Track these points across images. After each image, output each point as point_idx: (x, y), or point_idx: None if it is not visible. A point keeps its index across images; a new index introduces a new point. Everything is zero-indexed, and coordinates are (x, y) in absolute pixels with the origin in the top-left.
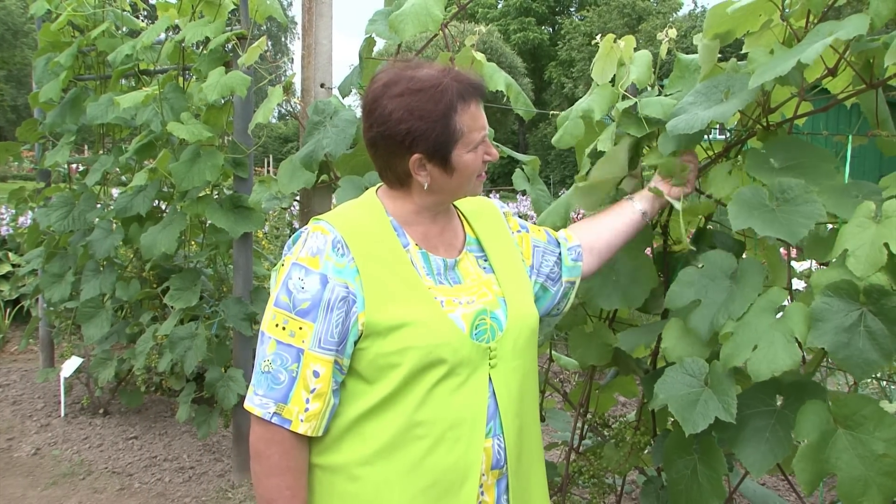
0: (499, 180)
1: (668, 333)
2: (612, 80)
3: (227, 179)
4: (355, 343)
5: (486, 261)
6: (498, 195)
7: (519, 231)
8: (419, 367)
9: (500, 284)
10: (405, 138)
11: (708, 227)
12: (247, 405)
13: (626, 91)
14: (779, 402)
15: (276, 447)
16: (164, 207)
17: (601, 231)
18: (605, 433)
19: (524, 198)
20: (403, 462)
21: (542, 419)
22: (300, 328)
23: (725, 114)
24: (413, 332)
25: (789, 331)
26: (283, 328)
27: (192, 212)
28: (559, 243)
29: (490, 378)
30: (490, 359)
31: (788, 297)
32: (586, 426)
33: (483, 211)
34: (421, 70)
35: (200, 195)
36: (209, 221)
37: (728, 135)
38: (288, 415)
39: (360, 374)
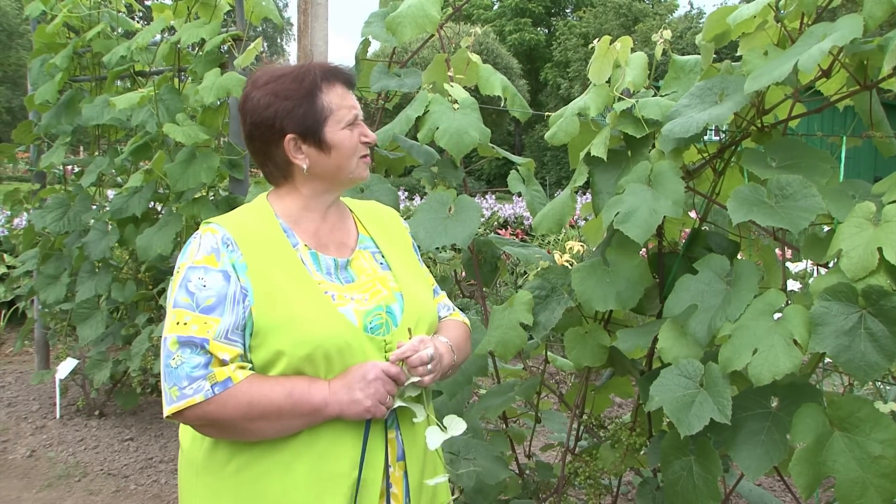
0: (494, 182)
1: (664, 334)
2: (609, 81)
3: (222, 181)
4: (250, 338)
5: (383, 257)
6: (493, 196)
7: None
8: (307, 360)
9: (396, 280)
10: (274, 120)
11: (703, 228)
12: (181, 404)
13: (621, 93)
14: (774, 404)
15: (237, 391)
16: (159, 209)
17: None
18: (601, 434)
19: (519, 199)
20: (308, 456)
21: (539, 420)
22: (205, 323)
23: (721, 116)
24: (302, 325)
25: (789, 333)
26: (185, 324)
27: (187, 213)
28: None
29: None
30: (385, 352)
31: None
32: (582, 427)
33: (379, 214)
34: (286, 65)
35: (196, 196)
36: None
37: (722, 136)
38: (221, 376)
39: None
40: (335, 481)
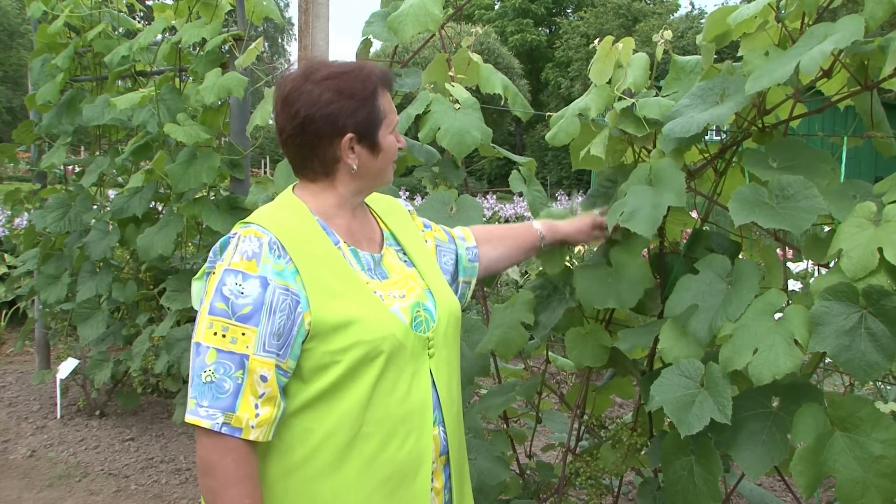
0: (495, 181)
1: (665, 334)
2: (610, 81)
3: (223, 181)
4: (303, 343)
5: (405, 254)
6: (494, 196)
7: (423, 231)
8: (362, 361)
9: (423, 277)
10: (337, 118)
11: (704, 228)
12: (190, 419)
13: (622, 94)
14: (775, 404)
15: (230, 456)
16: (160, 209)
17: (501, 242)
18: (602, 434)
19: (521, 199)
20: (357, 461)
21: (539, 420)
22: (243, 334)
23: (722, 116)
24: (360, 327)
25: (789, 333)
26: (223, 336)
27: (188, 213)
28: (456, 242)
29: (430, 369)
30: (428, 349)
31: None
32: (583, 427)
33: (393, 208)
34: (333, 61)
35: (197, 197)
36: (206, 223)
37: (724, 136)
38: (237, 423)
39: (298, 374)
40: (385, 482)
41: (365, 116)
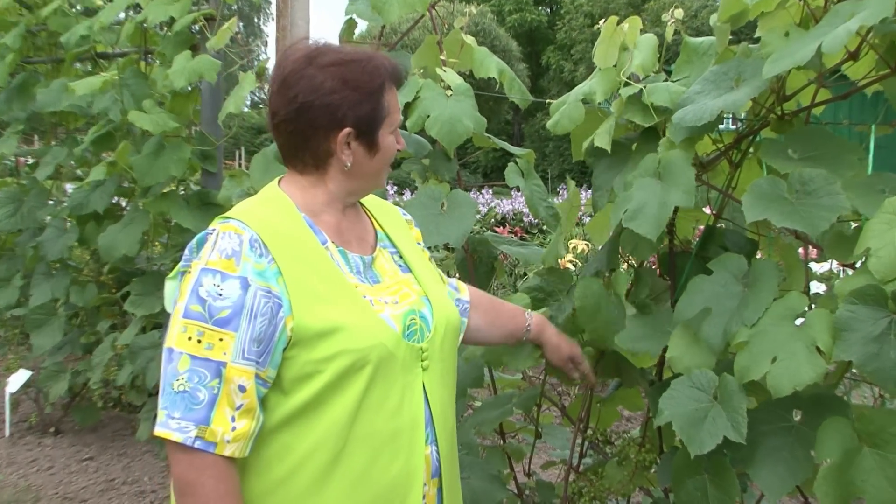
0: (491, 175)
1: (675, 341)
2: (615, 65)
3: (193, 174)
4: (283, 351)
5: (400, 258)
6: (490, 191)
7: (420, 244)
8: (348, 372)
9: (420, 283)
10: (338, 109)
11: (718, 224)
12: (160, 431)
13: (628, 78)
14: (797, 418)
15: (208, 472)
16: (124, 205)
17: (485, 313)
18: (608, 450)
19: (519, 194)
20: (342, 481)
21: (539, 435)
22: (220, 339)
23: (737, 103)
24: (346, 335)
25: (812, 341)
26: (199, 341)
27: (155, 209)
28: (444, 286)
29: (423, 382)
30: (422, 360)
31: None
32: (587, 443)
33: (389, 210)
34: (342, 46)
35: (164, 191)
36: (174, 220)
37: (739, 124)
38: (211, 437)
39: (278, 385)
40: (375, 503)
41: (367, 112)
